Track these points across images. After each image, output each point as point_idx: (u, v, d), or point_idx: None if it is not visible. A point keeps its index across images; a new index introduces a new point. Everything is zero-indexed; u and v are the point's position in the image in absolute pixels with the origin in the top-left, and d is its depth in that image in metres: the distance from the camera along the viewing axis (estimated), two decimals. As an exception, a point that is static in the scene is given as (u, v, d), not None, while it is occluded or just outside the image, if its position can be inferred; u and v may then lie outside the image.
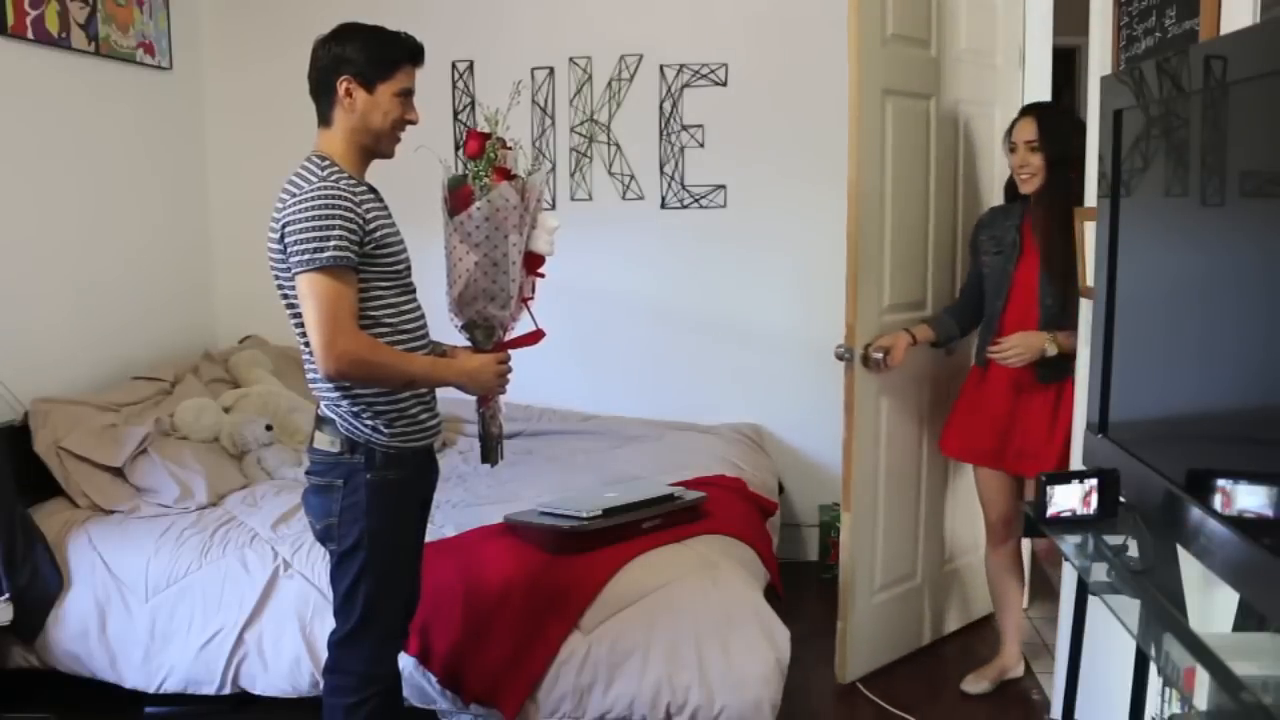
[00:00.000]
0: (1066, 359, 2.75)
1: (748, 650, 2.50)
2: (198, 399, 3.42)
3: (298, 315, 2.05)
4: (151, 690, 2.81)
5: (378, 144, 2.11)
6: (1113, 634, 2.11)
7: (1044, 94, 3.51)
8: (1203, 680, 1.39)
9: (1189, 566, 1.63)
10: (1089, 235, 2.41)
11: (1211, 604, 1.70)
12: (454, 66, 4.10)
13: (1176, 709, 1.71)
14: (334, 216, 1.95)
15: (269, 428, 3.42)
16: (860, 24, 2.83)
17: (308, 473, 2.17)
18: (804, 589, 3.76)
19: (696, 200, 4.07)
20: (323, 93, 2.08)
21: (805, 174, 3.95)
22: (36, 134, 3.30)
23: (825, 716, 2.98)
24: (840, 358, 2.95)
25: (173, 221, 4.03)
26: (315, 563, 2.73)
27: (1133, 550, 1.74)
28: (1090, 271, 2.40)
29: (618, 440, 3.82)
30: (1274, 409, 1.29)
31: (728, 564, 2.70)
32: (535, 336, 2.32)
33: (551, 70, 4.06)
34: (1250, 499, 1.38)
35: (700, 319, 4.11)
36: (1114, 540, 1.77)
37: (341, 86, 2.05)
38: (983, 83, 3.33)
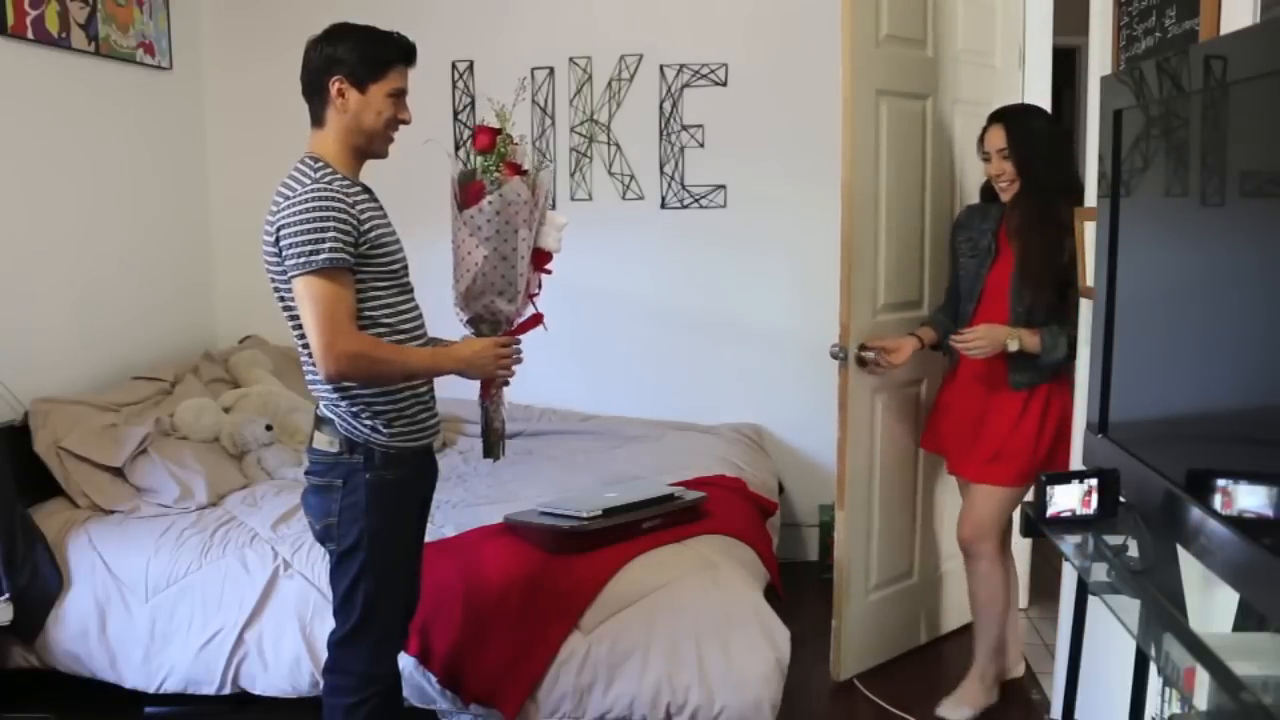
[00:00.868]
0: (1028, 359, 2.71)
1: (748, 650, 2.50)
2: (198, 399, 3.42)
3: (295, 317, 2.05)
4: (151, 690, 2.81)
5: (370, 144, 2.10)
6: (1113, 634, 2.11)
7: (1044, 94, 3.51)
8: (1203, 680, 1.39)
9: (1189, 566, 1.63)
10: (1089, 235, 2.41)
11: (1211, 604, 1.70)
12: (454, 66, 4.10)
13: (1176, 709, 1.71)
14: (328, 218, 1.95)
15: (269, 428, 3.42)
16: (853, 25, 2.83)
17: (307, 473, 2.17)
18: (804, 589, 3.76)
19: (696, 200, 4.07)
20: (315, 93, 2.08)
21: (805, 174, 3.95)
22: (36, 134, 3.30)
23: (825, 716, 2.98)
24: (835, 357, 2.95)
25: (173, 221, 4.03)
26: (315, 563, 2.73)
27: (1133, 550, 1.74)
28: (1090, 271, 2.40)
29: (618, 440, 3.82)
30: (1274, 409, 1.29)
31: (728, 564, 2.70)
32: (535, 320, 2.30)
33: (551, 70, 4.06)
34: (1250, 499, 1.38)
35: (700, 319, 4.11)
36: (1114, 540, 1.77)
37: (333, 87, 2.05)
38: (981, 83, 3.33)
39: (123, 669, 2.81)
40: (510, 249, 2.16)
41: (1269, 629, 1.42)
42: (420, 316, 2.19)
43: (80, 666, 2.84)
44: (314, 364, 2.08)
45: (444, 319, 2.29)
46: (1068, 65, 4.98)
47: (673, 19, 4.01)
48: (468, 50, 4.08)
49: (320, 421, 2.13)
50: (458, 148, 4.11)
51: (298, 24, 2.12)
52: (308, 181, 1.99)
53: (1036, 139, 2.72)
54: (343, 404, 2.08)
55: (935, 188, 3.19)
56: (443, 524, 2.93)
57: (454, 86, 4.11)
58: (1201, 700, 1.43)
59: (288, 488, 3.12)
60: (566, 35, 4.04)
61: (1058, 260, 2.64)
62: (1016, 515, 3.58)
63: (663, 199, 4.08)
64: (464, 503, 3.14)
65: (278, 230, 1.98)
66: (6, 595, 2.71)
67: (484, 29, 4.07)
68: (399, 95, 2.10)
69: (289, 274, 1.98)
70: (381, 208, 2.14)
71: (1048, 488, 1.79)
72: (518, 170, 2.17)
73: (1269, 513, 1.32)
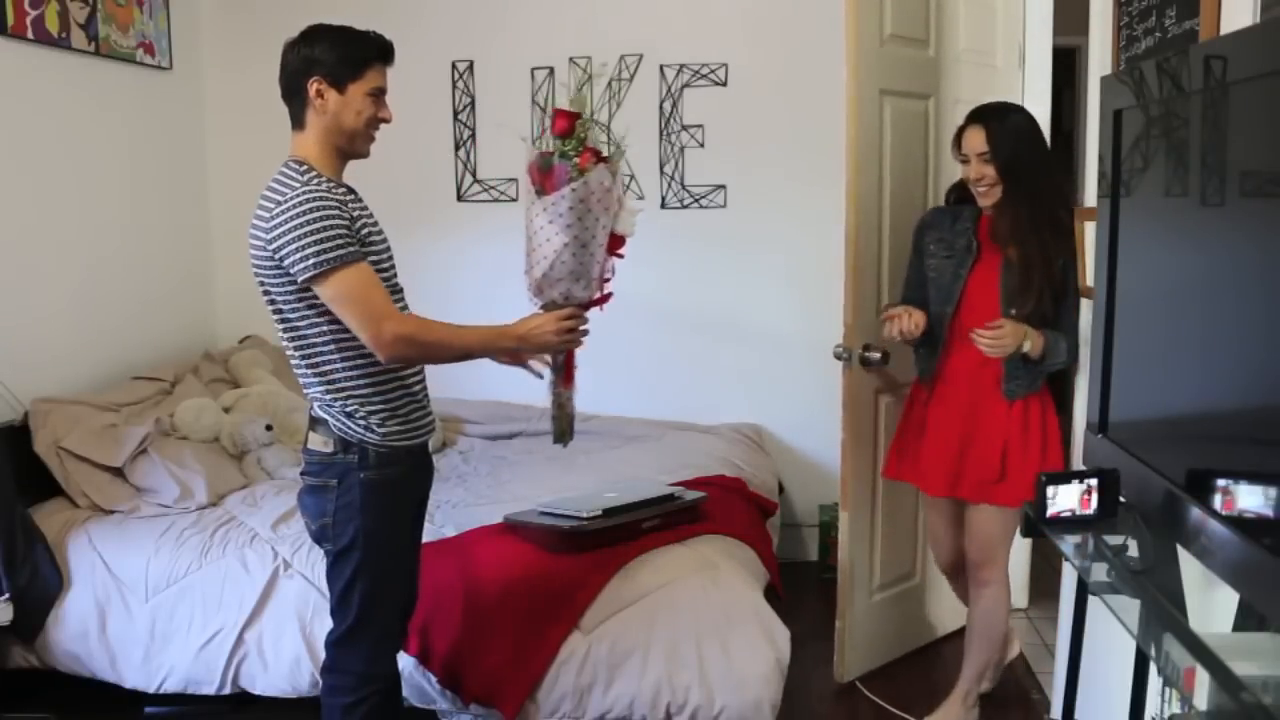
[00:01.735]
0: (1025, 366, 2.59)
1: (748, 650, 2.50)
2: (198, 399, 3.42)
3: (284, 320, 2.06)
4: (151, 690, 2.81)
5: (352, 144, 2.10)
6: (1113, 634, 2.11)
7: (1044, 94, 3.51)
8: (1203, 680, 1.39)
9: (1189, 566, 1.63)
10: (1089, 235, 2.41)
11: (1211, 604, 1.70)
12: (454, 66, 4.09)
13: (1176, 709, 1.71)
14: (326, 217, 1.95)
15: (269, 428, 3.42)
16: (858, 24, 2.83)
17: (302, 473, 2.17)
18: (804, 589, 3.76)
19: (696, 200, 4.07)
20: (294, 95, 2.07)
21: (806, 174, 3.95)
22: (37, 134, 3.30)
23: (825, 716, 2.98)
24: (839, 358, 2.95)
25: (173, 221, 4.03)
26: (315, 563, 2.73)
27: (1133, 550, 1.74)
28: (1090, 271, 2.40)
29: (618, 440, 3.82)
30: (1274, 409, 1.29)
31: (728, 564, 2.70)
32: (603, 299, 2.29)
33: (551, 70, 4.06)
34: (1250, 499, 1.38)
35: (700, 319, 4.11)
36: (1114, 540, 1.77)
37: (312, 88, 2.04)
38: (983, 83, 3.32)
39: (123, 669, 2.81)
40: (590, 236, 2.14)
41: (1269, 629, 1.42)
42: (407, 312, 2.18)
43: (80, 666, 2.84)
44: (305, 366, 2.08)
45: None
46: (1068, 65, 4.98)
47: (673, 19, 4.01)
48: (468, 50, 4.08)
49: (314, 422, 2.13)
50: (458, 147, 4.12)
51: (298, 24, 2.11)
52: (296, 185, 1.98)
53: (1018, 139, 2.56)
54: (336, 404, 2.07)
55: (937, 188, 3.19)
56: (443, 524, 2.93)
57: (454, 86, 4.11)
58: (1201, 700, 1.43)
59: (288, 488, 3.12)
60: (566, 35, 4.04)
61: (1054, 267, 2.54)
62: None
63: (663, 199, 4.08)
64: (464, 503, 3.14)
65: (274, 238, 1.96)
66: (6, 595, 2.71)
67: (484, 29, 4.07)
68: (378, 94, 2.09)
69: (301, 280, 1.96)
70: (368, 207, 2.13)
71: (1048, 488, 1.79)
72: (598, 156, 2.14)
73: (1269, 513, 1.32)
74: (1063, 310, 2.58)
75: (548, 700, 2.55)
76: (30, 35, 3.20)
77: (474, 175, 4.15)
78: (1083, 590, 2.02)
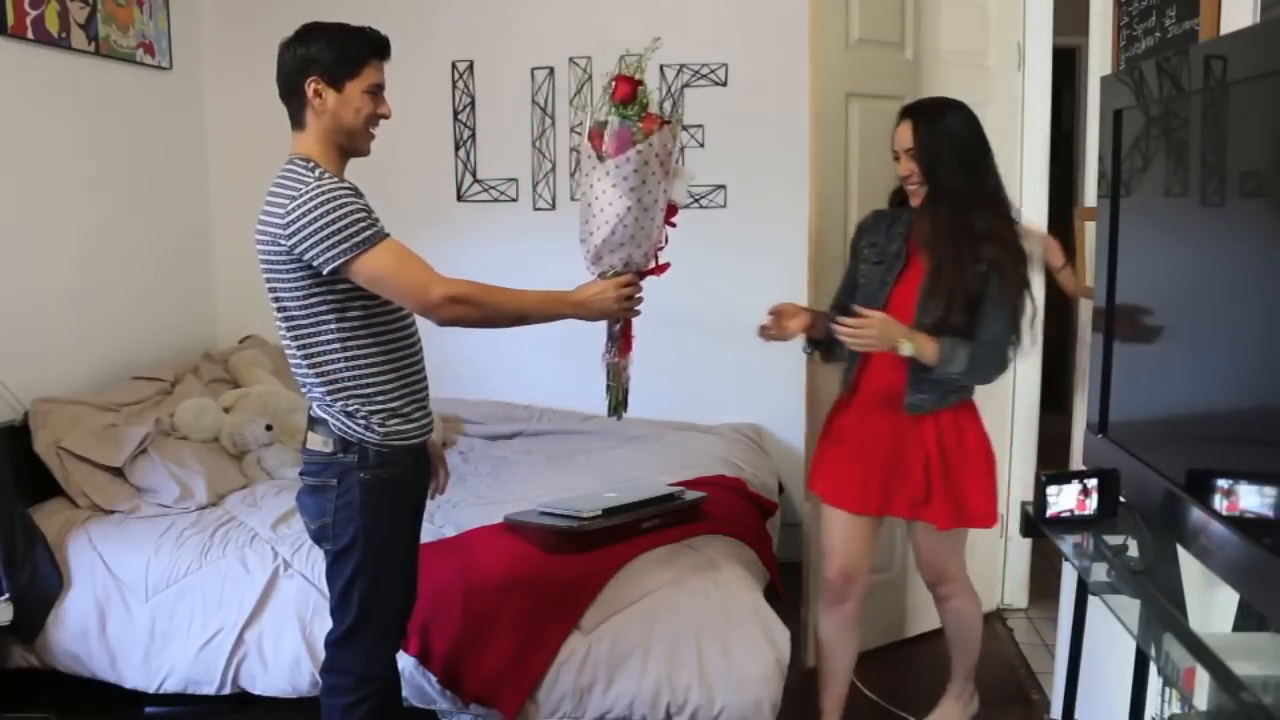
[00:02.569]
0: (928, 376, 2.41)
1: (748, 650, 2.50)
2: (198, 399, 3.42)
3: (289, 319, 2.06)
4: (151, 690, 2.81)
5: (352, 142, 2.10)
6: (1113, 634, 2.11)
7: (1044, 94, 3.52)
8: (1203, 680, 1.39)
9: (1189, 566, 1.63)
10: (1089, 235, 2.41)
11: (1211, 604, 1.70)
12: (454, 66, 4.09)
13: (1176, 709, 1.71)
14: (345, 204, 1.96)
15: (269, 428, 3.42)
16: (818, 29, 2.88)
17: (302, 473, 2.17)
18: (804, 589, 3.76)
19: (696, 200, 4.06)
20: (292, 95, 2.07)
21: (805, 174, 3.93)
22: (37, 134, 3.30)
23: (792, 695, 2.96)
24: (806, 353, 2.92)
25: (173, 221, 4.03)
26: (315, 563, 2.73)
27: (1133, 550, 1.74)
28: (1090, 271, 2.40)
29: (618, 440, 3.82)
30: (1274, 409, 1.29)
31: (728, 564, 2.70)
32: (662, 268, 2.30)
33: (551, 70, 4.06)
34: (1250, 499, 1.38)
35: (700, 319, 4.11)
36: (1114, 540, 1.77)
37: (310, 88, 2.03)
38: (972, 83, 3.34)
39: (123, 669, 2.81)
40: (652, 200, 2.15)
41: (1269, 629, 1.42)
42: (411, 315, 2.17)
43: (80, 666, 2.84)
44: (307, 365, 2.08)
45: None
46: (1068, 65, 4.98)
47: (673, 19, 4.01)
48: (468, 50, 4.08)
49: (314, 422, 2.13)
50: (458, 148, 4.12)
51: (298, 24, 2.11)
52: (310, 180, 1.98)
53: (945, 139, 2.40)
54: (336, 404, 2.07)
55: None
56: (443, 524, 2.93)
57: (454, 86, 4.11)
58: (1201, 700, 1.43)
59: (288, 488, 3.12)
60: (566, 35, 4.04)
61: (969, 275, 2.37)
62: (1014, 513, 3.62)
63: (663, 199, 4.07)
64: (464, 503, 3.14)
65: (292, 234, 1.95)
66: (6, 595, 2.71)
67: (484, 29, 4.07)
68: (376, 90, 2.09)
69: (330, 268, 1.95)
70: (371, 207, 2.13)
71: (1048, 488, 1.79)
72: (661, 120, 2.15)
73: (1269, 513, 1.32)
74: (978, 321, 2.39)
75: (548, 700, 2.55)
76: (30, 35, 3.20)
77: (474, 175, 4.15)
78: (1083, 590, 2.02)
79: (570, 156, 4.09)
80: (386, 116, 2.12)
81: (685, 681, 2.50)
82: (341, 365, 2.06)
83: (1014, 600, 3.77)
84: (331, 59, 2.03)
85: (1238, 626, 1.55)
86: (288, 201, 1.97)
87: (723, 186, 4.05)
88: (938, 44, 3.24)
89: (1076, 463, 2.53)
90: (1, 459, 2.82)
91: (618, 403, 2.34)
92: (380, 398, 2.09)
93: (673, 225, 2.30)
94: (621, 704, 2.53)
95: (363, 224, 1.96)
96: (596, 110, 2.22)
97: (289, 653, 2.72)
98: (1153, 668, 1.81)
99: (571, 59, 4.04)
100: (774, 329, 2.59)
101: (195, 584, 2.79)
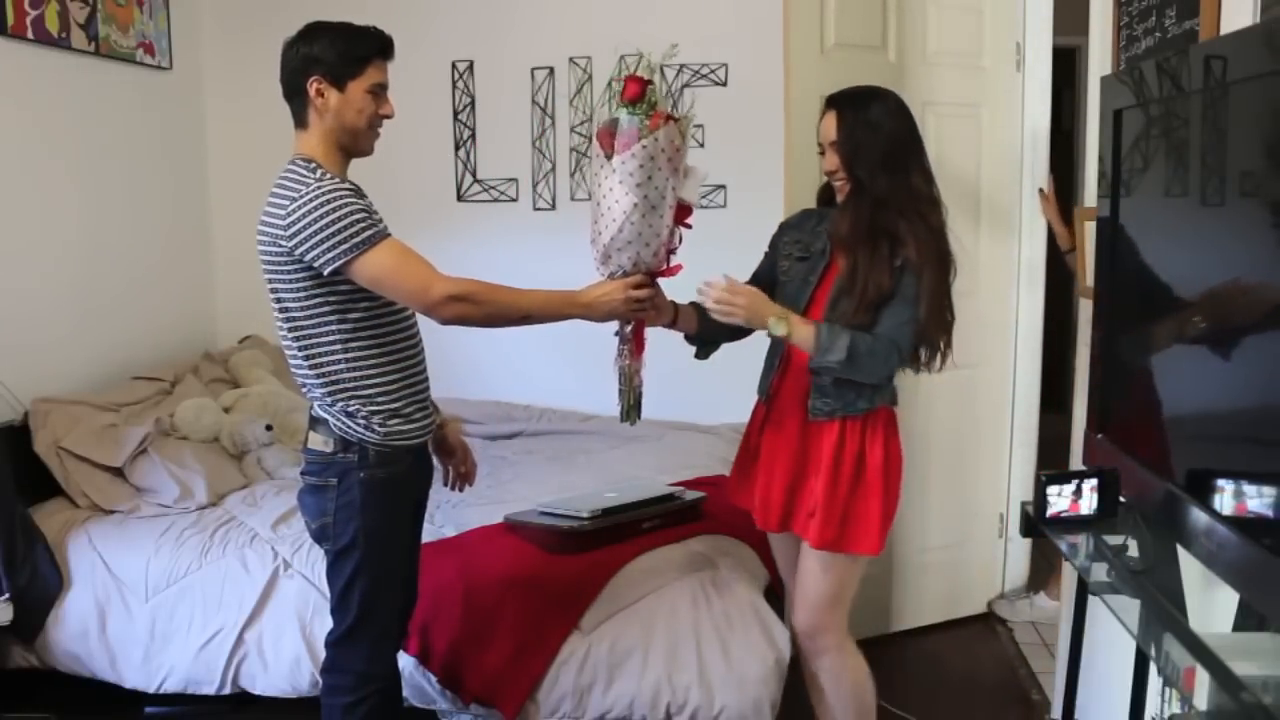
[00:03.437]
0: (835, 379, 2.21)
1: (748, 650, 2.50)
2: (198, 399, 3.42)
3: (290, 319, 2.05)
4: (151, 690, 2.81)
5: (355, 142, 2.09)
6: (1113, 634, 2.11)
7: (1044, 94, 3.52)
8: (1203, 680, 1.39)
9: (1189, 566, 1.63)
10: (1089, 235, 2.41)
11: (1211, 604, 1.70)
12: (454, 66, 4.09)
13: (1176, 709, 1.71)
14: (345, 205, 1.95)
15: (269, 428, 3.42)
16: (792, 36, 2.89)
17: (302, 473, 2.17)
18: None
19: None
20: (295, 95, 2.06)
21: (805, 174, 3.94)
22: (36, 134, 3.30)
23: None
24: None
25: (173, 221, 4.03)
26: (315, 562, 2.73)
27: (1133, 550, 1.74)
28: (1090, 271, 2.40)
29: (618, 440, 3.81)
30: (1274, 409, 1.29)
31: (728, 564, 2.70)
32: (674, 269, 2.26)
33: (551, 70, 4.06)
34: (1250, 499, 1.38)
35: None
36: (1114, 540, 1.77)
37: (312, 88, 2.03)
38: (966, 84, 3.34)
39: (123, 669, 2.81)
40: (660, 197, 2.12)
41: (1269, 629, 1.42)
42: (413, 315, 2.18)
43: (80, 666, 2.84)
44: (307, 366, 2.08)
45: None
46: (1068, 65, 4.98)
47: (673, 19, 4.01)
48: (468, 50, 4.08)
49: (314, 421, 2.13)
50: (458, 148, 4.12)
51: (298, 24, 2.11)
52: (310, 181, 1.98)
53: (872, 131, 2.20)
54: (337, 404, 2.07)
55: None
56: (443, 524, 2.93)
57: (454, 86, 4.11)
58: (1201, 700, 1.43)
59: (288, 488, 3.12)
60: (566, 35, 4.04)
61: (880, 276, 2.17)
62: (1014, 512, 3.62)
63: (663, 199, 4.07)
64: (464, 503, 3.14)
65: (292, 235, 1.95)
66: (6, 595, 2.71)
67: (484, 29, 4.07)
68: (379, 90, 2.08)
69: (327, 272, 1.95)
70: (374, 206, 2.13)
71: (1048, 488, 1.79)
72: (668, 117, 2.13)
73: (1269, 513, 1.32)
74: (883, 315, 2.18)
75: (548, 700, 2.55)
76: (30, 35, 3.20)
77: (474, 175, 4.15)
78: (1083, 590, 2.02)
79: (570, 156, 4.09)
80: (389, 116, 2.12)
81: (685, 681, 2.50)
82: (343, 366, 2.06)
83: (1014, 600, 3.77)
84: (334, 58, 2.02)
85: (1238, 626, 1.55)
86: (288, 203, 1.97)
87: (723, 186, 4.05)
88: (924, 45, 3.26)
89: (1076, 463, 2.53)
90: (1, 459, 2.82)
91: (629, 407, 2.30)
92: (381, 398, 2.09)
93: (687, 226, 2.26)
94: (621, 704, 2.53)
95: (363, 224, 1.96)
96: (605, 110, 2.22)
97: (289, 653, 2.72)
98: (1153, 668, 1.81)
99: (571, 59, 4.04)
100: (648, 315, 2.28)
101: (195, 584, 2.79)
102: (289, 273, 2.00)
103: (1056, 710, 2.72)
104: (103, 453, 3.06)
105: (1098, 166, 2.09)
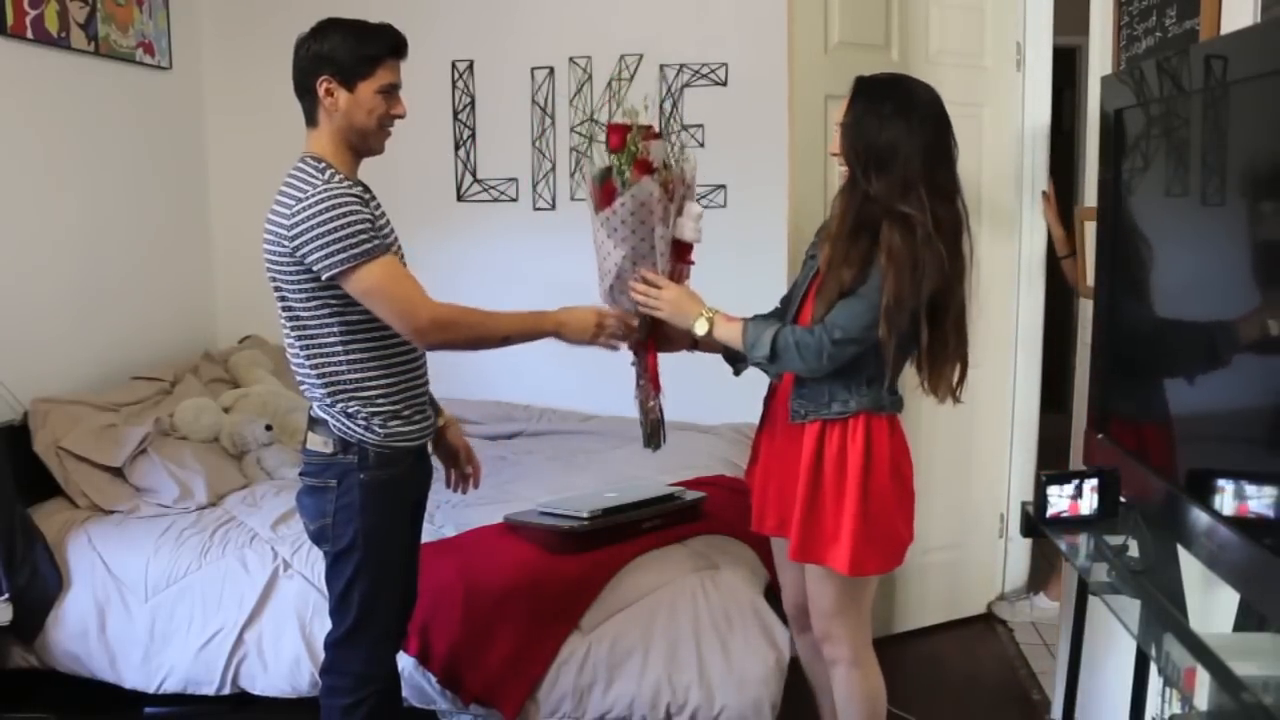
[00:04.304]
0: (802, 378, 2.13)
1: (748, 650, 2.50)
2: (198, 399, 3.42)
3: (294, 319, 2.05)
4: (151, 690, 2.81)
5: (365, 142, 2.08)
6: (1113, 634, 2.11)
7: (1044, 94, 3.52)
8: (1203, 680, 1.39)
9: (1189, 566, 1.63)
10: (1089, 235, 2.41)
11: (1211, 604, 1.70)
12: (454, 66, 4.09)
13: (1177, 709, 1.71)
14: (349, 213, 1.94)
15: (269, 428, 3.42)
16: (796, 34, 2.89)
17: (302, 474, 2.17)
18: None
19: (697, 200, 4.05)
20: (305, 93, 2.05)
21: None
22: (36, 134, 3.30)
23: None
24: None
25: (173, 221, 4.03)
26: (315, 563, 2.72)
27: (1133, 550, 1.74)
28: (1090, 271, 2.40)
29: (618, 440, 3.81)
30: (1274, 409, 1.29)
31: (728, 564, 2.70)
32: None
33: (551, 70, 4.06)
34: (1250, 499, 1.38)
35: (700, 319, 4.10)
36: (1114, 540, 1.77)
37: (321, 88, 2.01)
38: (968, 84, 3.35)
39: (122, 669, 2.81)
40: (648, 247, 2.17)
41: (1269, 629, 1.42)
42: None
43: (80, 666, 2.84)
44: (308, 366, 2.07)
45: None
46: (1068, 65, 4.98)
47: (673, 19, 4.01)
48: (468, 50, 4.08)
49: (314, 422, 2.12)
50: (458, 147, 4.11)
51: (298, 23, 2.11)
52: (318, 182, 1.97)
53: (874, 122, 2.04)
54: (337, 405, 2.07)
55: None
56: (443, 524, 2.93)
57: (454, 86, 4.11)
58: (1202, 700, 1.43)
59: (288, 488, 3.12)
60: (566, 35, 4.04)
61: (845, 271, 2.05)
62: (1014, 512, 3.62)
63: (663, 199, 4.07)
64: (464, 503, 3.13)
65: (295, 235, 1.95)
66: (6, 595, 2.71)
67: (484, 29, 4.07)
68: (390, 90, 2.06)
69: (326, 275, 1.95)
70: (381, 206, 2.13)
71: (1048, 488, 1.79)
72: (648, 169, 2.16)
73: (1269, 513, 1.32)
74: (834, 308, 2.06)
75: (548, 700, 2.55)
76: (30, 35, 3.20)
77: (474, 175, 4.15)
78: (1083, 590, 2.02)
79: (570, 156, 4.08)
80: (401, 116, 2.10)
81: (685, 682, 2.50)
82: (343, 367, 2.06)
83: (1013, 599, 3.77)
84: (344, 58, 2.00)
85: (1238, 626, 1.55)
86: (294, 203, 1.96)
87: (723, 186, 4.05)
88: (927, 45, 3.26)
89: (1076, 463, 2.53)
90: (1, 459, 2.81)
91: (649, 434, 2.38)
92: (381, 400, 2.08)
93: (691, 263, 2.30)
94: (621, 704, 2.53)
95: (363, 236, 1.95)
96: (605, 111, 2.26)
97: (289, 653, 2.72)
98: (1153, 668, 1.81)
99: (571, 59, 4.03)
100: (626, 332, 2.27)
101: (195, 584, 2.79)
102: (292, 272, 2.00)
103: (1057, 710, 2.72)
104: (102, 453, 3.06)
105: (1098, 166, 2.09)
